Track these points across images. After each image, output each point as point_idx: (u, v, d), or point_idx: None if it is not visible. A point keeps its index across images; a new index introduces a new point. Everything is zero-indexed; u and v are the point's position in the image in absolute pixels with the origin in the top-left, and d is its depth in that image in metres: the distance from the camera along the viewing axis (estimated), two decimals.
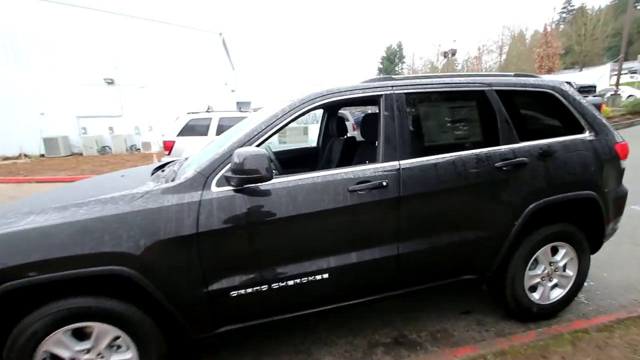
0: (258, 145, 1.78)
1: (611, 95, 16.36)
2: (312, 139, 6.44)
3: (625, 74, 22.69)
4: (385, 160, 1.91)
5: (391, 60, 54.23)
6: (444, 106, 2.15)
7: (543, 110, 2.38)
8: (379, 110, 1.97)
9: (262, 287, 1.74)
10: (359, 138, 3.00)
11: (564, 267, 2.37)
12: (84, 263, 1.50)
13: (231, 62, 24.22)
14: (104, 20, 15.65)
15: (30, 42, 15.11)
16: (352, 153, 2.73)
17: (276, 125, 1.81)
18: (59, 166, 11.91)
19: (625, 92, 18.13)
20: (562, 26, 44.35)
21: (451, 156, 2.00)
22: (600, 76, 18.73)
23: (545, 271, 2.33)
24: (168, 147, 6.83)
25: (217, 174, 1.70)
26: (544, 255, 2.30)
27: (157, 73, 16.43)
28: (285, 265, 1.77)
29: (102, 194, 1.70)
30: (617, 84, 17.11)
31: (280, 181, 1.76)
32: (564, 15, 50.71)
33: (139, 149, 16.35)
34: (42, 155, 15.26)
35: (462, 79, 2.17)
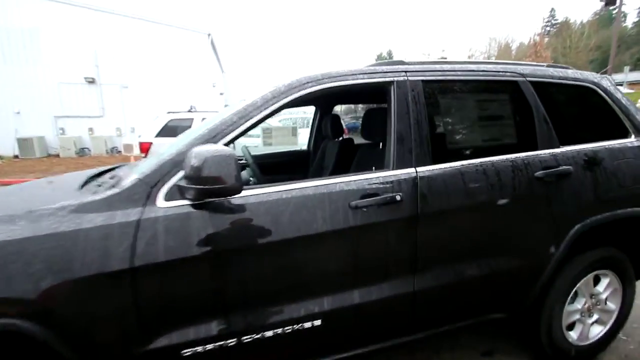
0: (227, 144, 1.30)
1: None
2: (302, 143, 5.96)
3: None
4: (398, 166, 1.45)
5: None
6: (469, 99, 1.71)
7: (583, 108, 1.97)
8: (390, 101, 1.52)
9: (229, 341, 1.24)
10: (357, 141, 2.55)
11: (606, 299, 1.95)
12: None
13: (220, 65, 23.62)
14: (86, 16, 14.95)
15: (6, 38, 14.31)
16: (350, 158, 2.27)
17: (253, 117, 1.33)
18: (30, 168, 11.12)
19: None
20: (546, 39, 45.48)
21: (481, 162, 1.55)
22: None
23: (586, 305, 1.90)
24: (145, 148, 6.25)
25: (166, 183, 1.20)
26: (586, 286, 1.87)
27: (141, 73, 15.76)
28: (263, 311, 1.28)
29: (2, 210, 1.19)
30: None
31: (258, 193, 1.28)
32: (547, 28, 52.13)
33: (120, 151, 15.58)
34: (16, 157, 14.38)
35: (490, 67, 1.74)
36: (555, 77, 1.85)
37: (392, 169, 1.45)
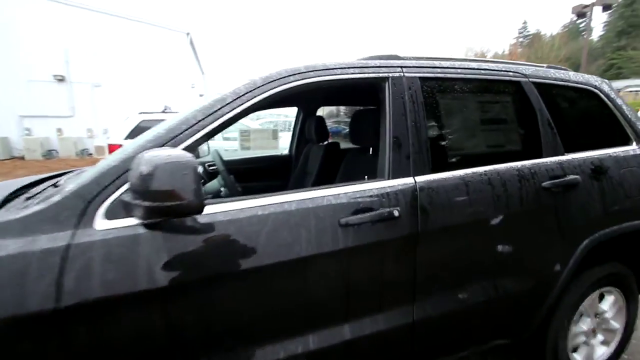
0: (190, 149, 1.05)
1: None
2: (283, 147, 5.70)
3: None
4: (394, 175, 1.24)
5: None
6: (470, 100, 1.54)
7: (584, 112, 1.85)
8: (384, 100, 1.32)
9: None
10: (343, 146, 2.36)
11: (610, 318, 1.82)
12: None
13: (200, 66, 23.02)
14: (55, 10, 14.18)
15: None
16: (336, 164, 2.06)
17: (222, 116, 1.09)
18: None
19: None
20: (519, 49, 47.35)
21: (485, 171, 1.37)
22: None
23: (591, 326, 1.76)
24: (113, 151, 5.81)
25: (108, 197, 0.94)
26: (591, 305, 1.73)
27: (115, 71, 15.07)
28: (233, 355, 1.03)
29: None
30: None
31: (228, 209, 1.04)
32: (520, 39, 54.35)
33: (91, 154, 14.78)
34: None
35: (492, 65, 1.58)
36: (558, 78, 1.71)
37: (388, 179, 1.24)
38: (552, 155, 1.55)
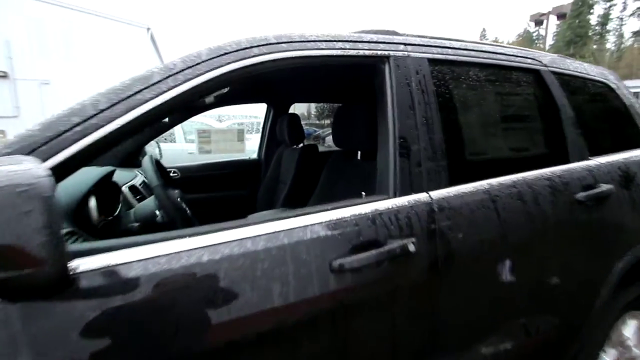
0: (80, 159, 0.63)
1: None
2: (252, 150, 5.20)
3: None
4: (402, 191, 0.89)
5: None
6: (488, 91, 1.22)
7: (602, 109, 1.61)
8: (384, 88, 0.96)
9: None
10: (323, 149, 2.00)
11: (633, 345, 1.59)
12: None
13: (163, 63, 21.83)
14: None
15: None
16: (315, 171, 1.69)
17: (141, 104, 0.68)
18: None
19: None
20: None
21: (513, 181, 1.06)
22: None
23: (616, 357, 1.52)
24: None
25: None
26: (617, 332, 1.49)
27: (67, 68, 13.85)
28: None
29: None
30: None
31: (150, 257, 0.63)
32: None
33: None
34: None
35: (507, 49, 1.28)
36: (576, 69, 1.46)
37: (393, 196, 0.89)
38: (578, 160, 1.28)
